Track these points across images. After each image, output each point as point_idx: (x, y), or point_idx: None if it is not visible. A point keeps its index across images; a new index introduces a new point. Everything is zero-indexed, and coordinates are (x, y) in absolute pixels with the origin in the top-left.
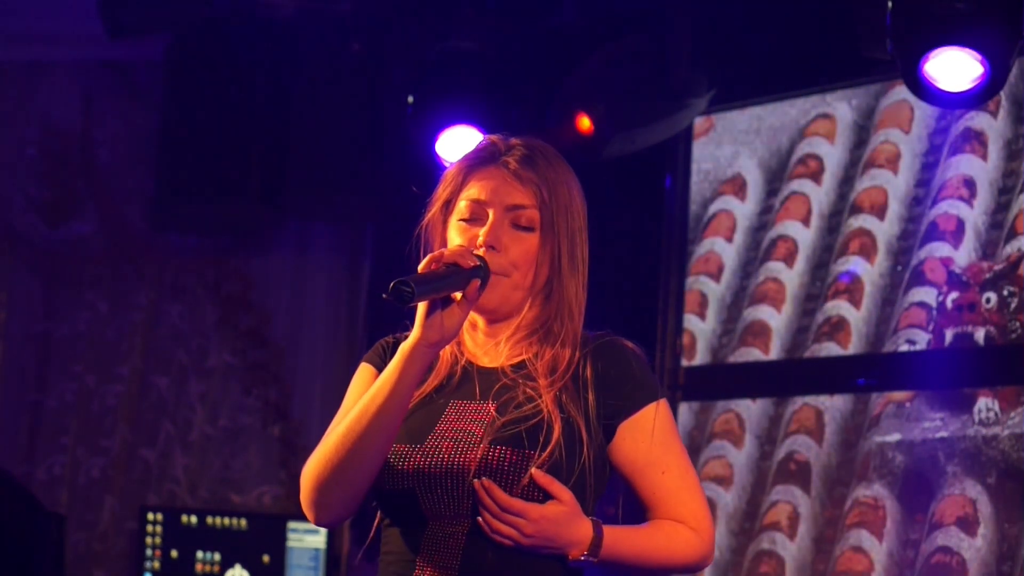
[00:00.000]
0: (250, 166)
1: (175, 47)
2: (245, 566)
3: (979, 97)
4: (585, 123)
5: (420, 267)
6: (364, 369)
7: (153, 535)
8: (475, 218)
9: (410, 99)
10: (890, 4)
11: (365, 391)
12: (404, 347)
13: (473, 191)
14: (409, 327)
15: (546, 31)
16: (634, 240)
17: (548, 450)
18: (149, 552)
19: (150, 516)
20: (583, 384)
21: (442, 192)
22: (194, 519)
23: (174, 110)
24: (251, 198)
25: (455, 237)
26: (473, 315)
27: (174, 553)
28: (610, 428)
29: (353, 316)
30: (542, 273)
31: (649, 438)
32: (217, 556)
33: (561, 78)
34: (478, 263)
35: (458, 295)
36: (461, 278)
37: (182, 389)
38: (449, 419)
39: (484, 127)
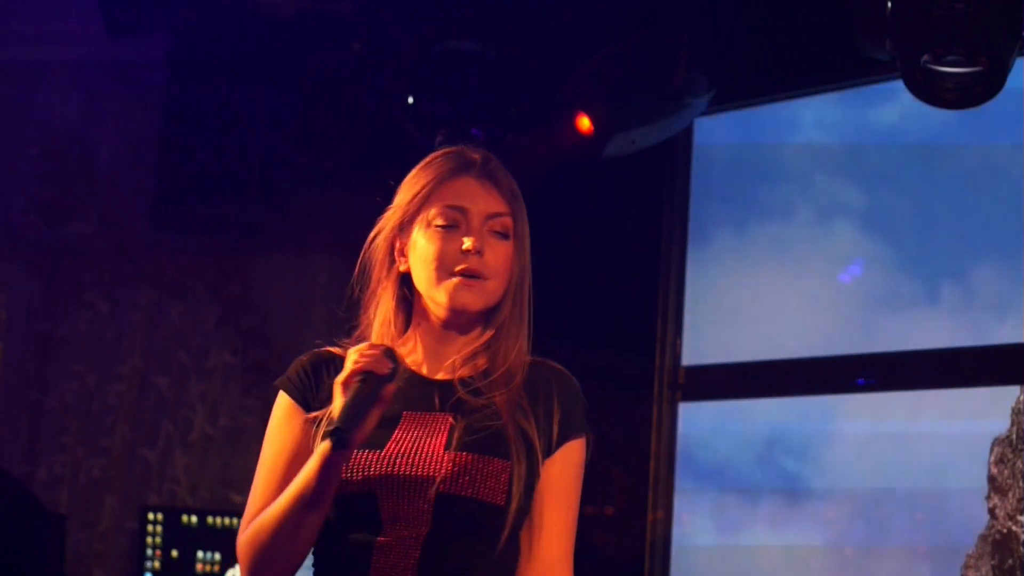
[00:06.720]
0: (250, 166)
1: (175, 47)
2: None
3: (979, 97)
4: (585, 123)
5: (339, 379)
6: (283, 401)
7: (153, 535)
8: (453, 224)
9: (410, 99)
10: (890, 4)
11: (287, 429)
12: (325, 451)
13: (450, 198)
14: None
15: (546, 31)
16: (634, 240)
17: (514, 459)
18: (149, 552)
19: (150, 516)
20: (543, 402)
21: (408, 200)
22: (194, 519)
23: (174, 110)
24: (251, 198)
25: (429, 244)
26: (431, 321)
27: (174, 553)
28: (549, 449)
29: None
30: (512, 283)
31: (572, 469)
32: (217, 556)
33: (561, 78)
34: (392, 366)
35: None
36: (379, 388)
37: (182, 389)
38: (405, 428)
39: (484, 127)
